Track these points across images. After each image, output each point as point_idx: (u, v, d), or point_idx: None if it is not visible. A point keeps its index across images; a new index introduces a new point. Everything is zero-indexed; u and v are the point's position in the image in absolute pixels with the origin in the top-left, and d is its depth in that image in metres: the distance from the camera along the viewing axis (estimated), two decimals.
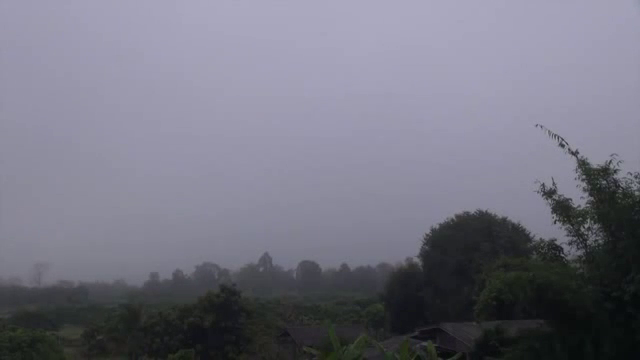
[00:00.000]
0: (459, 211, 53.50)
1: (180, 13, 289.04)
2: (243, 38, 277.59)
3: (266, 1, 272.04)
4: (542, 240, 18.49)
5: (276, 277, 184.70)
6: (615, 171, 16.53)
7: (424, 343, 16.43)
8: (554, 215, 17.36)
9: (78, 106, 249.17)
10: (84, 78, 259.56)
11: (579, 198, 17.12)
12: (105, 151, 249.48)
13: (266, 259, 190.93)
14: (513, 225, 49.47)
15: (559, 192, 17.45)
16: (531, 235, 42.78)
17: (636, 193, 16.34)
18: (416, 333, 30.54)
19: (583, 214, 16.98)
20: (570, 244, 17.51)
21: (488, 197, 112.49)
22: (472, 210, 52.86)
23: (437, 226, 53.56)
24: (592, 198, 16.81)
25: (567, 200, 17.33)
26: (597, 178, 16.64)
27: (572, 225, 17.22)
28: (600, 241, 17.15)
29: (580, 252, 17.48)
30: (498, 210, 52.29)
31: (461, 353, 17.88)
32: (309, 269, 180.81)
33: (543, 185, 17.55)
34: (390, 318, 57.81)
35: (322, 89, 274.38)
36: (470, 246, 47.04)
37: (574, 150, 16.93)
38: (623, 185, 16.46)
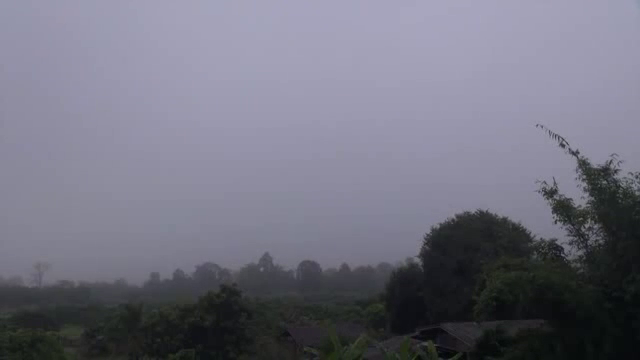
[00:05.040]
0: (459, 211, 53.50)
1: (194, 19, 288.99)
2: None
3: None
4: (543, 240, 18.48)
5: (276, 277, 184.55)
6: (615, 171, 16.53)
7: (425, 343, 16.45)
8: (555, 215, 17.35)
9: (77, 107, 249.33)
10: (85, 77, 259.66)
11: (580, 198, 17.14)
12: (105, 151, 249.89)
13: (267, 259, 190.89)
14: (514, 225, 49.38)
15: (560, 192, 17.46)
16: (532, 235, 42.63)
17: (637, 193, 16.34)
18: (416, 333, 30.50)
19: (584, 214, 16.98)
20: (571, 244, 17.52)
21: (489, 197, 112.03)
22: (472, 210, 52.82)
23: (437, 226, 53.46)
24: (593, 198, 16.81)
25: (568, 200, 17.33)
26: (598, 178, 16.64)
27: (573, 225, 17.22)
28: (601, 241, 17.16)
29: (581, 252, 17.48)
30: (498, 210, 52.28)
31: (461, 353, 17.91)
32: (309, 269, 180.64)
33: (544, 185, 17.56)
34: (390, 318, 57.74)
35: (322, 90, 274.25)
36: (470, 246, 46.99)
37: (574, 150, 16.95)
38: (624, 185, 16.46)
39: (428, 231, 53.98)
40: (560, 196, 17.36)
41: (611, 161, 16.51)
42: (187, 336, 50.99)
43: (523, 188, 22.33)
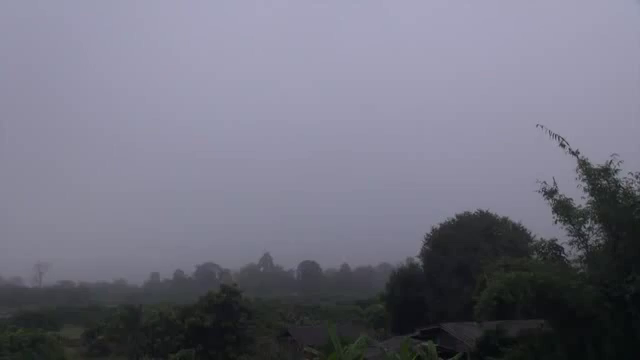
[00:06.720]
0: (460, 211, 53.53)
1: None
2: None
3: None
4: (543, 240, 18.47)
5: (277, 277, 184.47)
6: (616, 171, 16.53)
7: (425, 343, 16.44)
8: (555, 215, 17.34)
9: (78, 106, 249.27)
10: (83, 76, 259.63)
11: (580, 198, 17.14)
12: (106, 152, 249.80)
13: (267, 259, 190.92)
14: (514, 225, 49.38)
15: (560, 192, 17.45)
16: (532, 235, 42.62)
17: (637, 193, 16.34)
18: (417, 333, 30.47)
19: (584, 214, 16.98)
20: (571, 244, 17.52)
21: (489, 197, 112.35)
22: (473, 210, 52.85)
23: (438, 226, 53.47)
24: (593, 198, 16.81)
25: (568, 200, 17.32)
26: (598, 178, 16.64)
27: (573, 225, 17.21)
28: (601, 241, 17.16)
29: (581, 252, 17.48)
30: (499, 210, 52.33)
31: (462, 353, 17.94)
32: (309, 269, 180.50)
33: (544, 185, 17.55)
34: (391, 318, 57.64)
35: (323, 89, 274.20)
36: (471, 246, 46.95)
37: (574, 150, 16.94)
38: (624, 185, 16.47)
39: (428, 231, 54.01)
40: (560, 196, 17.36)
41: (611, 161, 16.51)
42: (187, 336, 50.93)
43: (523, 188, 22.34)
